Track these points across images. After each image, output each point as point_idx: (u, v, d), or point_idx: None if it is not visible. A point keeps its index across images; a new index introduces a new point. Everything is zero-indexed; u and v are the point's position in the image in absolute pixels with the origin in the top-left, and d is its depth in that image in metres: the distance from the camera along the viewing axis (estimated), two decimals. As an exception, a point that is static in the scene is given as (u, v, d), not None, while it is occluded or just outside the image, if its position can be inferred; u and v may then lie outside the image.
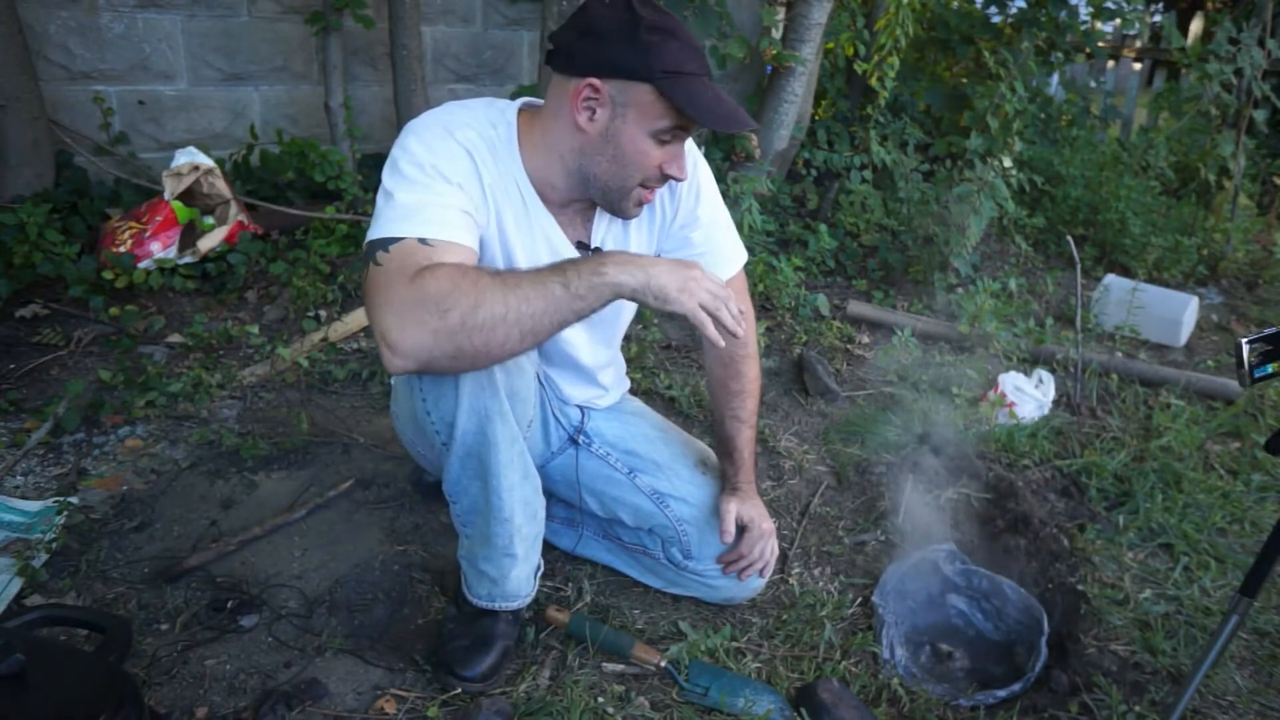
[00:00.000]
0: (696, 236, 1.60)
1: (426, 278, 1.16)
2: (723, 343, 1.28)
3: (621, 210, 1.42)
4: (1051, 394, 2.60)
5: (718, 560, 1.68)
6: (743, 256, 1.68)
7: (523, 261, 1.43)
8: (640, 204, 1.42)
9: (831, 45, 4.11)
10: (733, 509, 1.64)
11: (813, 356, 2.78)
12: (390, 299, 1.16)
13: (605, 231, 1.52)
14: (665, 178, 1.38)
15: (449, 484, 1.43)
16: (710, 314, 1.25)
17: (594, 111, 1.32)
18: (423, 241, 1.21)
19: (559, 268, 1.22)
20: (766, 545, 1.68)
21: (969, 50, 4.61)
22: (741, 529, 1.66)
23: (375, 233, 1.24)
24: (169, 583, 1.69)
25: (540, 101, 1.43)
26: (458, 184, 1.29)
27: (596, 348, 1.67)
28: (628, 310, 1.68)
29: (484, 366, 1.25)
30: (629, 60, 1.27)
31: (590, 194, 1.41)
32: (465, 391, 1.30)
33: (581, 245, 1.50)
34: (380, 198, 1.28)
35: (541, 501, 1.51)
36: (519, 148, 1.39)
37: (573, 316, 1.22)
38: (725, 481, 1.71)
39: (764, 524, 1.67)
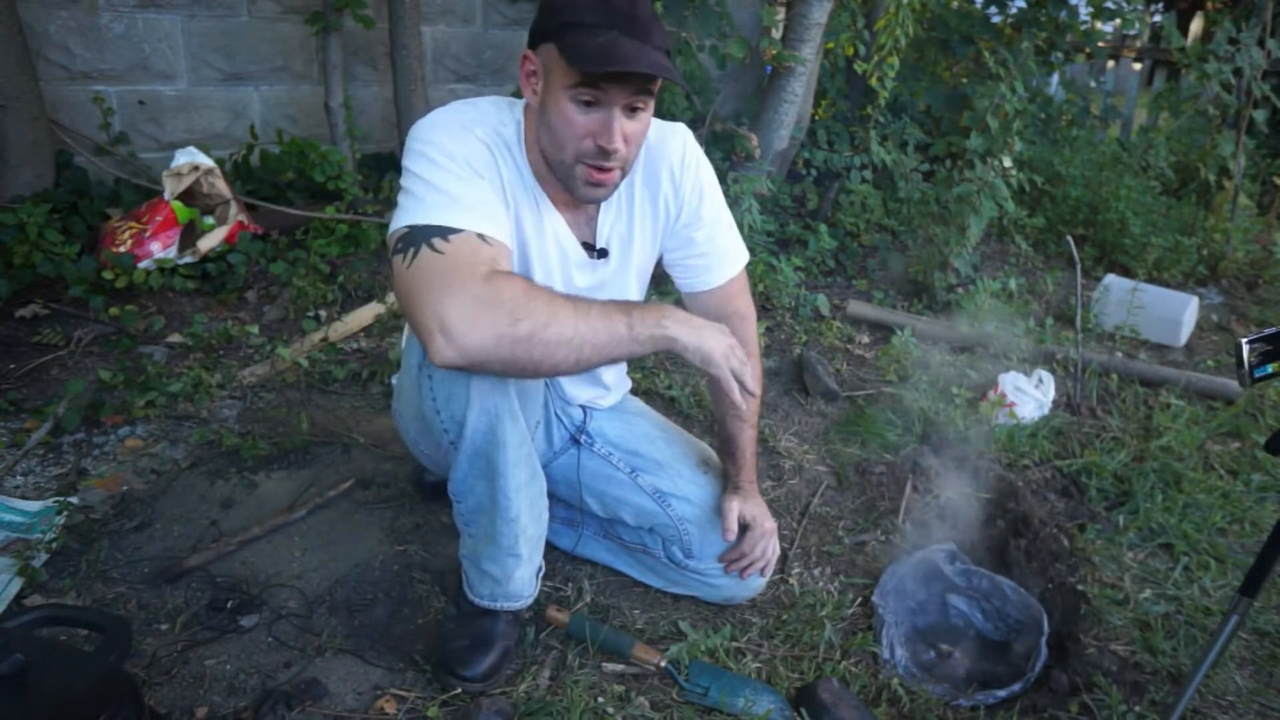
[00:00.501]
0: (699, 236, 1.60)
1: (501, 282, 1.17)
2: (744, 405, 1.39)
3: (573, 191, 1.37)
4: (1051, 394, 2.60)
5: (719, 559, 1.68)
6: (744, 257, 1.68)
7: (535, 260, 1.44)
8: (590, 184, 1.34)
9: (831, 45, 4.11)
10: (735, 507, 1.65)
11: (813, 356, 2.78)
12: (459, 293, 1.15)
13: (610, 230, 1.52)
14: (601, 150, 1.30)
15: (455, 483, 1.43)
16: (736, 378, 1.33)
17: (534, 85, 1.33)
18: (483, 238, 1.21)
19: (625, 308, 1.26)
20: (768, 544, 1.68)
21: (969, 50, 4.61)
22: (743, 528, 1.66)
23: (423, 217, 1.21)
24: (169, 583, 1.69)
25: None
26: (487, 179, 1.30)
27: None
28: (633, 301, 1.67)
29: (526, 378, 1.30)
30: (541, 23, 1.28)
31: (555, 178, 1.38)
32: (476, 391, 1.30)
33: (587, 246, 1.50)
34: (412, 183, 1.26)
35: (546, 502, 1.51)
36: (525, 145, 1.39)
37: (625, 356, 1.28)
38: (727, 481, 1.71)
39: (766, 523, 1.67)
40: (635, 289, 1.64)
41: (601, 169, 1.32)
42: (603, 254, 1.52)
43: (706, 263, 1.64)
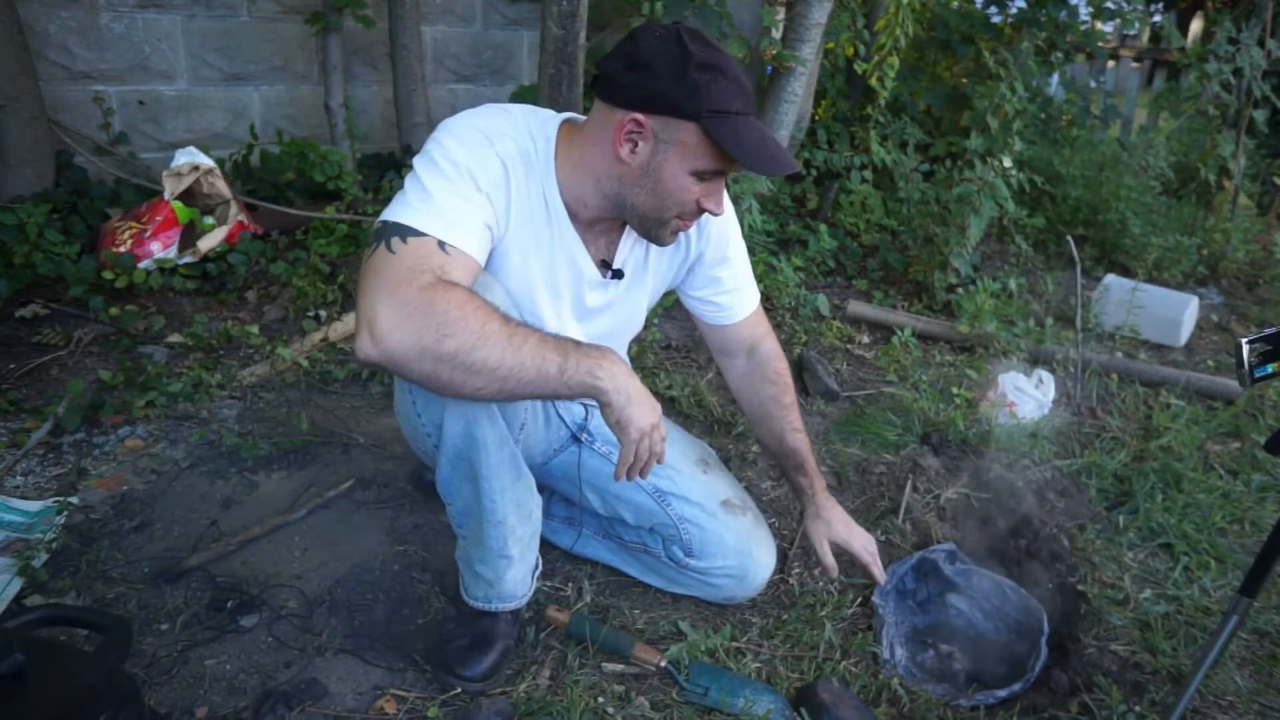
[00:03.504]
0: (726, 275, 1.66)
1: (439, 293, 1.15)
2: (622, 478, 1.32)
3: (657, 238, 1.43)
4: (1051, 394, 2.60)
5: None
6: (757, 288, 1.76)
7: (539, 276, 1.43)
8: (676, 233, 1.42)
9: (831, 45, 4.10)
10: (824, 539, 1.69)
11: (813, 356, 2.78)
12: (395, 294, 1.15)
13: (629, 253, 1.53)
14: (702, 211, 1.38)
15: (441, 486, 1.43)
16: (637, 459, 1.29)
17: (636, 144, 1.31)
18: (441, 245, 1.20)
19: (562, 346, 1.22)
20: (869, 547, 1.72)
21: (969, 50, 4.61)
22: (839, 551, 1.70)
23: (397, 215, 1.22)
24: (169, 583, 1.69)
25: (582, 118, 1.43)
26: (486, 193, 1.29)
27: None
28: (634, 325, 1.68)
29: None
30: (676, 98, 1.26)
31: (626, 219, 1.42)
32: None
33: (604, 264, 1.50)
34: (409, 181, 1.27)
35: (537, 501, 1.51)
36: (555, 163, 1.38)
37: (550, 396, 1.25)
38: (802, 499, 1.74)
39: (856, 532, 1.72)
40: (641, 314, 1.66)
41: (689, 220, 1.40)
42: (618, 274, 1.52)
43: (734, 299, 1.70)
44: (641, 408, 1.27)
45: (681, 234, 1.54)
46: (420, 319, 1.13)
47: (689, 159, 1.30)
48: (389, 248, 1.19)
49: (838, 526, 1.70)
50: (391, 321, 1.13)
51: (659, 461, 1.32)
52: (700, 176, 1.33)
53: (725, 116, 1.27)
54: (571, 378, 1.21)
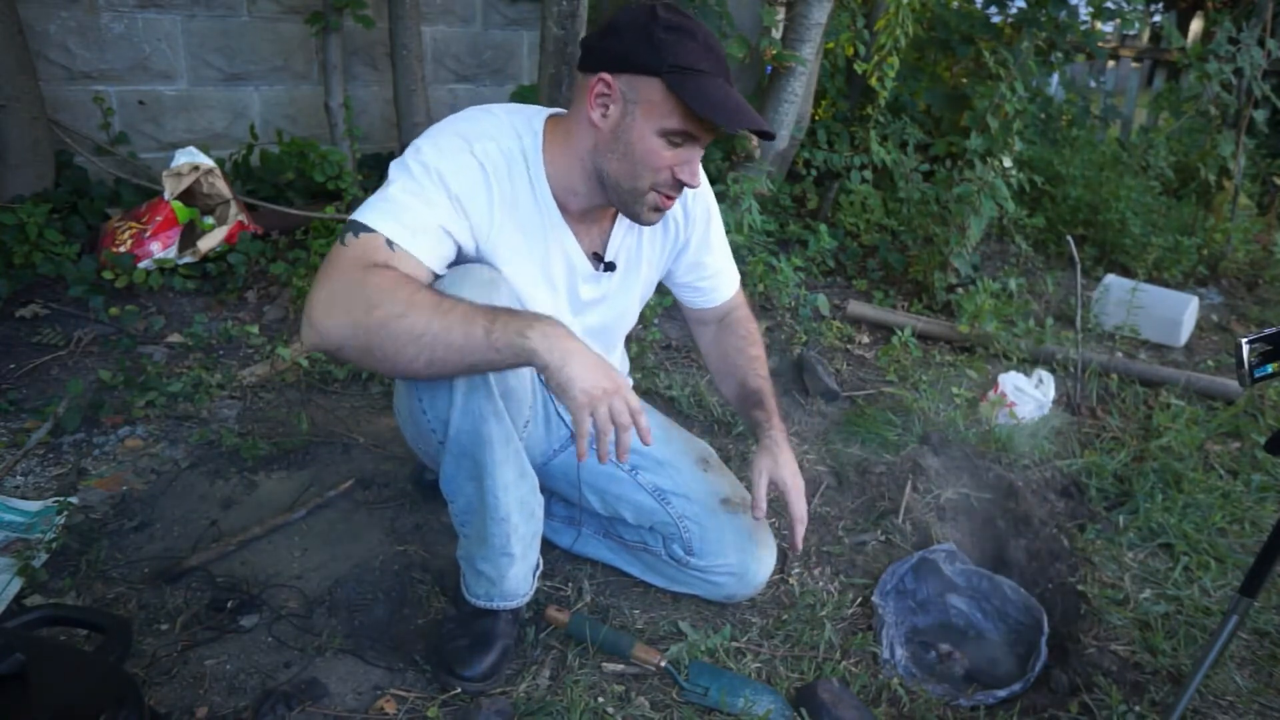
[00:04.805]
0: (709, 259, 1.67)
1: (371, 274, 1.18)
2: (584, 459, 1.20)
3: (636, 214, 1.41)
4: (1051, 394, 2.60)
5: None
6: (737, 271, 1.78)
7: (535, 271, 1.43)
8: (657, 210, 1.39)
9: (831, 45, 4.11)
10: (765, 477, 1.58)
11: (813, 356, 2.78)
12: (334, 281, 1.19)
13: (620, 244, 1.53)
14: (679, 183, 1.36)
15: (445, 483, 1.43)
16: (598, 430, 1.19)
17: (607, 108, 1.32)
18: (389, 243, 1.23)
19: (493, 312, 1.20)
20: (798, 506, 1.60)
21: (969, 50, 4.61)
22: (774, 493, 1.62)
23: (358, 213, 1.26)
24: (169, 583, 1.69)
25: (567, 112, 1.43)
26: (457, 196, 1.29)
27: (598, 347, 1.67)
28: (629, 318, 1.68)
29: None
30: (640, 55, 1.27)
31: (608, 197, 1.41)
32: (459, 392, 1.30)
33: (596, 256, 1.51)
34: (384, 184, 1.30)
35: (539, 500, 1.51)
36: (544, 156, 1.39)
37: (484, 364, 1.22)
38: (758, 433, 1.66)
39: (795, 482, 1.61)
40: (636, 306, 1.66)
41: (670, 197, 1.38)
42: (610, 267, 1.52)
43: (717, 282, 1.72)
44: (584, 368, 1.18)
45: (670, 218, 1.55)
46: (351, 296, 1.17)
47: (655, 118, 1.30)
48: (342, 242, 1.23)
49: (783, 469, 1.60)
50: (325, 305, 1.17)
51: (646, 442, 1.22)
52: (670, 140, 1.32)
53: (690, 73, 1.27)
54: (499, 339, 1.17)
